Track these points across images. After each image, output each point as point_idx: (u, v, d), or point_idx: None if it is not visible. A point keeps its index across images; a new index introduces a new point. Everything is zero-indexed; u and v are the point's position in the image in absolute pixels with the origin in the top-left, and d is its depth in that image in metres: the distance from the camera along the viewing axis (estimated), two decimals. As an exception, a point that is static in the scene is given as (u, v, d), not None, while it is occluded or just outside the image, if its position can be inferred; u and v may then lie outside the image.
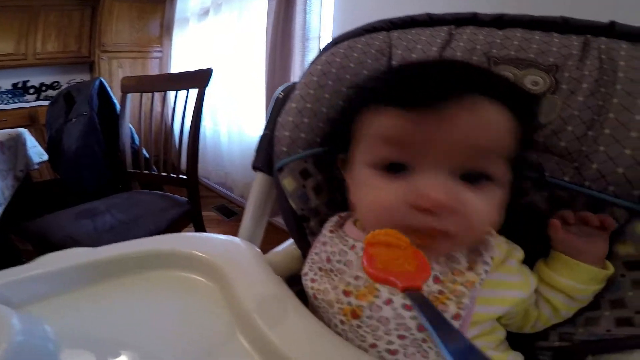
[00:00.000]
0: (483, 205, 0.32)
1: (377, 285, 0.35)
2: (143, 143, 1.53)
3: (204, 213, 1.46)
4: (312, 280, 0.39)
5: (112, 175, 1.62)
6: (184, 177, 1.38)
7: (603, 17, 0.45)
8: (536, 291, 0.40)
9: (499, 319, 0.39)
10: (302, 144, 0.47)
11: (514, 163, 0.35)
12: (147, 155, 1.51)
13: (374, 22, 0.53)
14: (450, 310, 0.32)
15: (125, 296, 0.37)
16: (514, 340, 0.41)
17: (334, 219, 0.44)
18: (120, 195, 1.46)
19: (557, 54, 0.43)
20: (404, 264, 0.27)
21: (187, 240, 0.42)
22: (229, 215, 2.35)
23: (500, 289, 0.37)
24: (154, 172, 1.49)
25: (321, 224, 0.46)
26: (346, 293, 0.35)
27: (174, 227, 1.32)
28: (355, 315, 0.34)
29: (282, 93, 0.54)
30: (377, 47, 0.50)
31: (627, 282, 0.38)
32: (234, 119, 2.38)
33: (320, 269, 0.40)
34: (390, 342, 0.33)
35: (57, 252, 0.43)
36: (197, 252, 0.40)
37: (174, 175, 1.43)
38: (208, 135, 2.69)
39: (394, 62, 0.49)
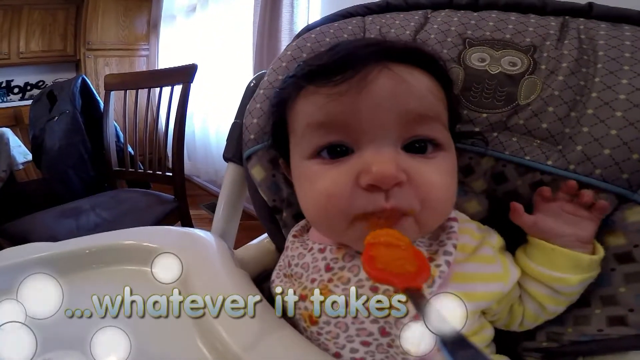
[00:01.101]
0: (437, 174, 0.30)
1: (330, 287, 0.33)
2: (128, 141, 1.50)
3: (194, 211, 1.44)
4: (277, 287, 0.35)
5: (98, 174, 1.60)
6: (170, 174, 1.36)
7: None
8: (519, 284, 0.37)
9: (484, 315, 0.37)
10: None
11: (454, 137, 0.34)
12: (132, 153, 1.48)
13: (350, 8, 0.52)
14: (409, 311, 0.28)
15: (81, 291, 0.36)
16: (500, 340, 0.39)
17: (302, 222, 0.42)
18: (105, 194, 1.44)
19: (534, 34, 0.42)
20: (404, 264, 0.26)
21: (147, 233, 0.41)
22: (220, 213, 2.33)
23: (474, 283, 0.33)
24: (140, 170, 1.47)
25: (294, 216, 0.44)
26: (302, 297, 0.33)
27: (162, 224, 1.29)
28: (313, 321, 0.32)
29: (253, 81, 0.52)
30: (350, 31, 0.48)
31: (619, 277, 0.35)
32: (222, 117, 2.36)
33: (284, 274, 0.38)
34: (354, 350, 0.31)
35: (16, 247, 0.42)
36: (153, 245, 0.38)
37: (160, 173, 1.40)
38: (197, 134, 2.67)
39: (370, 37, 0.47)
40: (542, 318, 0.37)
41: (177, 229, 0.42)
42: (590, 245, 0.34)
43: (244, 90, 0.54)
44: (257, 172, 0.45)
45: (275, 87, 0.45)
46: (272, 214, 0.47)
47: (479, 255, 0.35)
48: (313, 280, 0.34)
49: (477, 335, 0.36)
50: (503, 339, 0.39)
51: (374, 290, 0.31)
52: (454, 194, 0.33)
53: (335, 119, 0.30)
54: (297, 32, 1.61)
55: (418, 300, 0.23)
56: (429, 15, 0.48)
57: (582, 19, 0.43)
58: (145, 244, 0.39)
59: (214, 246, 0.39)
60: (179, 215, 1.37)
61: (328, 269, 0.34)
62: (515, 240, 0.39)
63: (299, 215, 0.46)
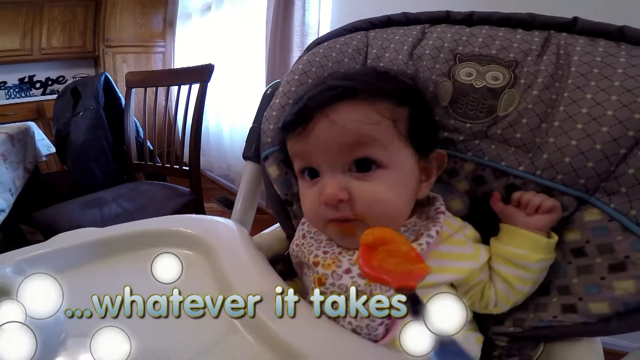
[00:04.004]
0: (373, 189, 0.38)
1: (340, 257, 0.40)
2: (147, 136, 1.58)
3: (206, 204, 1.51)
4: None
5: (118, 167, 1.68)
6: (187, 168, 1.44)
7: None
8: (490, 267, 0.43)
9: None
10: None
11: (427, 142, 0.42)
12: (151, 148, 1.56)
13: (355, 22, 0.57)
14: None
15: (129, 270, 0.43)
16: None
17: None
18: (125, 186, 1.52)
19: (518, 50, 0.45)
20: (400, 263, 0.28)
21: (183, 221, 0.48)
22: (230, 207, 2.37)
23: (448, 260, 0.41)
24: (157, 164, 1.55)
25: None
26: (315, 263, 0.41)
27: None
28: (320, 282, 0.40)
29: (269, 89, 0.59)
30: (355, 46, 0.54)
31: (573, 269, 0.40)
32: (236, 113, 2.42)
33: (296, 244, 0.47)
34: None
35: (69, 231, 0.49)
36: (189, 231, 0.45)
37: (177, 167, 1.48)
38: (211, 129, 2.74)
39: (369, 61, 0.53)
40: (513, 299, 0.42)
41: (206, 217, 0.49)
42: (544, 233, 0.41)
43: (260, 94, 0.60)
44: (273, 170, 0.53)
45: (289, 97, 0.52)
46: (284, 206, 0.54)
47: (452, 239, 0.42)
48: (325, 252, 0.43)
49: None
50: (477, 324, 0.45)
51: None
52: (396, 201, 0.40)
53: (302, 153, 0.41)
54: (308, 32, 1.65)
55: (411, 299, 0.24)
56: (426, 31, 0.52)
57: (564, 34, 0.46)
58: (182, 229, 0.46)
59: (237, 232, 0.46)
60: (194, 207, 1.44)
61: (339, 244, 0.43)
62: (488, 234, 0.45)
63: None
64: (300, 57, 0.56)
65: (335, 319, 0.37)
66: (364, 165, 0.39)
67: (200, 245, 0.44)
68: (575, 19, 0.46)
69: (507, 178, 0.44)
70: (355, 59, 0.53)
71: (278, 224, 0.59)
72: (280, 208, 0.55)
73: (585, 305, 0.39)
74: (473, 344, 0.42)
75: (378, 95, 0.39)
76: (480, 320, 0.46)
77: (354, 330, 0.37)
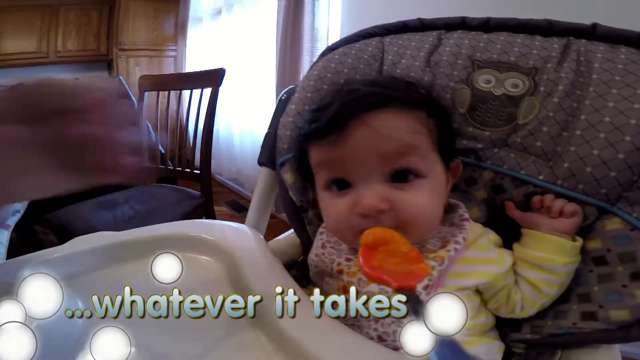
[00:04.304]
0: (414, 197, 0.37)
1: None
2: (159, 139, 1.60)
3: (216, 208, 1.52)
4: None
5: (130, 169, 1.69)
6: (198, 172, 1.45)
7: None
8: (515, 272, 0.42)
9: (486, 305, 0.43)
10: None
11: (449, 152, 0.42)
12: (162, 151, 1.58)
13: (369, 28, 0.57)
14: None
15: (144, 275, 0.43)
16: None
17: None
18: (137, 188, 1.52)
19: (537, 57, 0.45)
20: (400, 263, 0.28)
21: (200, 226, 0.48)
22: (239, 210, 2.42)
23: (474, 264, 0.41)
24: (169, 167, 1.56)
25: (318, 215, 0.50)
26: (339, 271, 0.41)
27: (188, 218, 1.37)
28: (346, 290, 0.39)
29: (284, 95, 0.59)
30: (370, 52, 0.54)
31: (594, 277, 0.40)
32: (246, 117, 2.44)
33: (315, 254, 0.46)
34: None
35: (86, 235, 0.49)
36: (207, 236, 0.45)
37: (188, 170, 1.49)
38: (221, 133, 2.75)
39: (385, 67, 0.53)
40: (539, 302, 0.41)
41: (223, 223, 0.50)
42: (569, 236, 0.40)
43: (270, 96, 0.60)
44: (289, 177, 0.53)
45: (305, 103, 0.52)
46: (299, 212, 0.54)
47: (476, 244, 0.42)
48: (348, 260, 0.42)
49: (470, 320, 0.42)
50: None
51: None
52: (435, 209, 0.40)
53: (334, 162, 0.39)
54: (318, 37, 1.66)
55: (411, 299, 0.24)
56: (442, 37, 0.52)
57: (584, 41, 0.45)
58: (203, 235, 0.46)
59: (253, 238, 0.46)
60: (205, 211, 1.45)
61: None
62: (507, 241, 0.45)
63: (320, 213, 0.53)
64: (314, 63, 0.56)
65: (360, 325, 0.38)
66: (402, 176, 0.38)
67: (218, 252, 0.44)
68: (595, 25, 0.46)
69: (527, 187, 0.43)
70: (371, 65, 0.53)
71: (292, 230, 0.59)
72: (294, 214, 0.55)
73: (606, 312, 0.38)
74: (495, 353, 0.42)
75: (413, 105, 0.39)
76: (498, 327, 0.45)
77: (379, 337, 0.37)
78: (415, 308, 0.23)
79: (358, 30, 0.58)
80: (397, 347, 0.36)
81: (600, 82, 0.41)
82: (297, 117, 0.52)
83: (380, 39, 0.56)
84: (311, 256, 0.47)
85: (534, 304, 0.42)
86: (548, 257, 0.40)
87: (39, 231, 1.58)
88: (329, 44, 0.59)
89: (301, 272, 0.51)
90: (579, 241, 0.40)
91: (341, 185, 0.40)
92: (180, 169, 1.51)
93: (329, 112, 0.39)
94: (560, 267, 0.40)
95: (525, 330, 0.44)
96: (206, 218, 1.47)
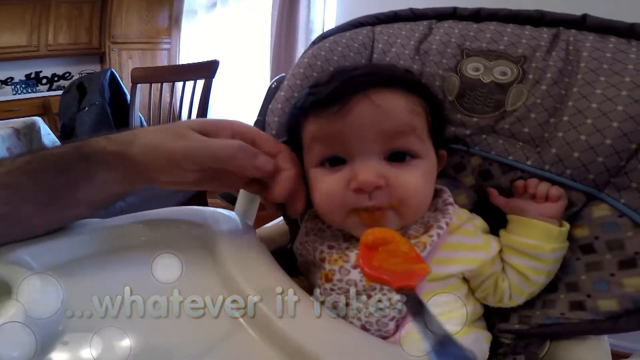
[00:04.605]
0: (409, 177, 0.37)
1: (347, 252, 0.40)
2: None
3: (211, 200, 1.52)
4: (300, 247, 0.45)
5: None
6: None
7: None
8: (502, 259, 0.42)
9: (473, 294, 0.43)
10: None
11: (439, 139, 0.42)
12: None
13: (361, 18, 0.57)
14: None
15: (130, 261, 0.43)
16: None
17: None
18: (129, 181, 1.52)
19: (526, 46, 0.45)
20: (400, 263, 0.27)
21: (186, 212, 0.48)
22: (234, 202, 2.40)
23: (459, 250, 0.41)
24: (162, 160, 1.55)
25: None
26: (321, 259, 0.41)
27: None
28: (327, 278, 0.39)
29: (274, 83, 0.59)
30: (360, 41, 0.54)
31: (581, 266, 0.40)
32: (241, 109, 2.43)
33: (300, 242, 0.46)
34: (360, 301, 0.37)
35: (72, 223, 0.48)
36: (194, 221, 0.45)
37: (181, 162, 1.48)
38: (216, 126, 2.74)
39: (375, 56, 0.53)
40: (527, 290, 0.41)
41: (209, 209, 0.49)
42: (556, 221, 0.40)
43: (265, 89, 0.60)
44: (278, 163, 0.52)
45: (294, 90, 0.52)
46: (287, 199, 0.54)
47: (462, 230, 0.42)
48: (331, 247, 0.42)
49: (461, 309, 0.40)
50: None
51: None
52: (428, 191, 0.40)
53: (331, 136, 0.38)
54: (313, 29, 1.65)
55: (411, 299, 0.24)
56: (433, 26, 0.52)
57: (574, 31, 0.46)
58: (178, 218, 0.46)
59: (239, 223, 0.46)
60: (198, 202, 1.45)
61: (346, 239, 0.42)
62: (495, 228, 0.45)
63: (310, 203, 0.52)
64: (305, 51, 0.55)
65: (344, 317, 0.37)
66: (399, 156, 0.38)
67: (203, 236, 0.44)
68: (585, 16, 0.46)
69: (515, 173, 0.44)
70: (361, 54, 0.53)
71: (281, 217, 0.58)
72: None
73: (594, 302, 0.38)
74: (483, 343, 0.42)
75: (412, 88, 0.40)
76: (486, 317, 0.45)
77: (363, 327, 0.36)
78: (415, 308, 0.23)
79: (350, 20, 0.58)
80: (381, 337, 0.36)
81: (589, 70, 0.41)
82: (286, 104, 0.51)
83: (371, 28, 0.56)
84: (296, 244, 0.47)
85: (522, 293, 0.41)
86: (534, 243, 0.39)
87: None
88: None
89: (290, 260, 0.51)
90: (566, 226, 0.40)
91: (335, 162, 0.39)
92: (173, 161, 1.50)
93: (332, 85, 0.38)
94: (548, 253, 0.39)
95: (513, 321, 0.44)
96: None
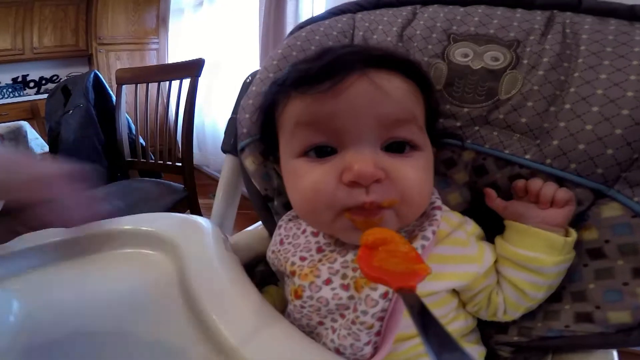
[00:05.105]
0: (411, 169, 0.32)
1: (319, 266, 0.35)
2: (139, 132, 1.55)
3: (203, 200, 1.48)
4: (272, 257, 0.41)
5: (111, 164, 1.65)
6: (180, 164, 1.40)
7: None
8: (497, 271, 0.38)
9: (465, 306, 0.39)
10: None
11: (432, 132, 0.36)
12: (143, 144, 1.53)
13: (341, 5, 0.53)
14: (377, 287, 0.31)
15: (91, 272, 0.40)
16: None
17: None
18: (118, 183, 1.49)
19: (519, 29, 0.41)
20: (400, 263, 0.26)
21: (153, 220, 0.44)
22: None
23: (448, 264, 0.36)
24: (151, 160, 1.52)
25: (284, 204, 0.46)
26: (292, 273, 0.36)
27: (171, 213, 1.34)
28: (297, 295, 0.35)
29: (249, 78, 0.54)
30: (340, 29, 0.49)
31: (590, 273, 0.35)
32: (231, 108, 2.39)
33: (272, 251, 0.41)
34: (334, 320, 0.34)
35: (34, 232, 0.45)
36: (157, 231, 0.41)
37: (170, 163, 1.45)
38: (207, 124, 2.70)
39: (355, 44, 0.48)
40: (524, 305, 0.37)
41: (175, 215, 0.46)
42: (562, 230, 0.35)
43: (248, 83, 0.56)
44: (250, 163, 0.48)
45: (266, 83, 0.47)
46: (265, 202, 0.50)
47: (452, 239, 0.37)
48: (303, 259, 0.37)
49: (452, 323, 0.37)
50: (480, 333, 0.41)
51: (355, 270, 0.34)
52: (429, 188, 0.35)
53: (320, 119, 0.32)
54: (301, 25, 1.59)
55: (410, 300, 0.23)
56: (417, 11, 0.48)
57: (569, 13, 0.42)
58: (143, 228, 0.42)
59: (209, 232, 0.42)
60: (188, 204, 1.41)
61: (319, 250, 0.37)
62: (493, 231, 0.40)
63: (288, 205, 0.48)
64: (281, 43, 0.51)
65: (318, 333, 0.34)
66: (398, 147, 0.33)
67: (170, 248, 0.40)
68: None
69: (512, 168, 0.39)
70: (341, 42, 0.49)
71: (260, 222, 0.54)
72: (260, 204, 0.50)
73: (604, 313, 0.34)
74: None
75: (411, 73, 0.35)
76: (482, 328, 0.41)
77: (336, 350, 0.33)
78: (415, 309, 0.22)
79: (331, 8, 0.54)
80: None
81: (590, 54, 0.38)
82: (258, 99, 0.47)
83: (351, 15, 0.52)
84: (268, 253, 0.42)
85: (518, 308, 0.37)
86: (535, 256, 0.35)
87: (23, 231, 1.54)
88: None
89: (269, 267, 0.47)
90: (573, 235, 0.35)
91: (322, 152, 0.33)
92: (162, 162, 1.47)
93: (323, 60, 0.32)
94: (550, 267, 0.35)
95: (512, 332, 0.40)
96: (190, 211, 1.43)
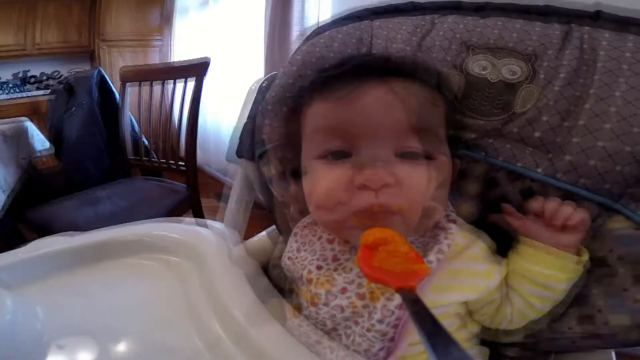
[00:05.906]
0: (420, 177, 0.33)
1: (335, 275, 0.36)
2: (143, 131, 1.55)
3: (205, 200, 1.48)
4: (288, 263, 0.41)
5: (113, 163, 1.65)
6: (183, 164, 1.40)
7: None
8: (507, 284, 0.38)
9: (471, 315, 0.40)
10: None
11: (452, 143, 0.37)
12: (146, 143, 1.53)
13: (356, 11, 0.53)
14: (394, 298, 0.32)
15: (109, 278, 0.40)
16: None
17: (310, 217, 0.45)
18: (121, 182, 1.49)
19: (537, 43, 0.42)
20: (400, 263, 0.27)
21: (160, 229, 0.45)
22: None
23: (460, 277, 0.36)
24: (154, 160, 1.52)
25: (301, 211, 0.47)
26: (309, 280, 0.37)
27: (174, 213, 1.34)
28: (313, 302, 0.35)
29: (265, 82, 0.55)
30: (358, 36, 0.50)
31: (593, 279, 0.37)
32: (234, 108, 2.39)
33: (288, 258, 0.42)
34: (347, 327, 0.34)
35: (51, 236, 0.45)
36: (176, 236, 0.42)
37: (173, 162, 1.45)
38: (209, 124, 2.70)
39: (374, 52, 0.48)
40: (530, 316, 0.38)
41: (186, 225, 0.46)
42: (573, 249, 0.36)
43: (254, 89, 0.56)
44: (268, 169, 0.49)
45: (286, 90, 0.48)
46: (281, 208, 0.50)
47: (467, 254, 0.37)
48: (319, 267, 0.38)
49: (459, 331, 0.38)
50: (483, 332, 0.42)
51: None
52: (442, 203, 0.36)
53: (337, 123, 0.34)
54: (308, 26, 1.61)
55: (410, 300, 0.23)
56: (436, 21, 0.49)
57: (587, 27, 0.42)
58: (147, 239, 0.43)
59: (214, 243, 0.43)
60: (191, 204, 1.42)
61: (335, 259, 0.38)
62: (504, 243, 0.41)
63: (305, 212, 0.48)
64: (298, 48, 0.52)
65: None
66: (412, 156, 0.34)
67: (188, 253, 0.40)
68: (598, 11, 0.43)
69: (523, 181, 0.40)
70: (359, 50, 0.49)
71: (273, 227, 0.55)
72: (276, 210, 0.51)
73: (605, 317, 0.36)
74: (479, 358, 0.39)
75: (432, 81, 0.36)
76: (487, 328, 0.42)
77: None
78: (415, 309, 0.22)
79: (346, 13, 0.54)
80: None
81: (606, 71, 0.38)
82: (277, 105, 0.47)
83: (369, 22, 0.52)
84: (284, 259, 0.43)
85: (524, 318, 0.38)
86: (552, 274, 0.36)
87: (25, 229, 1.53)
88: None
89: (283, 272, 0.47)
90: (585, 255, 0.36)
91: (338, 155, 0.35)
92: (165, 161, 1.47)
93: (345, 67, 0.34)
94: (564, 283, 0.36)
95: (519, 333, 0.40)
96: (192, 211, 1.43)
